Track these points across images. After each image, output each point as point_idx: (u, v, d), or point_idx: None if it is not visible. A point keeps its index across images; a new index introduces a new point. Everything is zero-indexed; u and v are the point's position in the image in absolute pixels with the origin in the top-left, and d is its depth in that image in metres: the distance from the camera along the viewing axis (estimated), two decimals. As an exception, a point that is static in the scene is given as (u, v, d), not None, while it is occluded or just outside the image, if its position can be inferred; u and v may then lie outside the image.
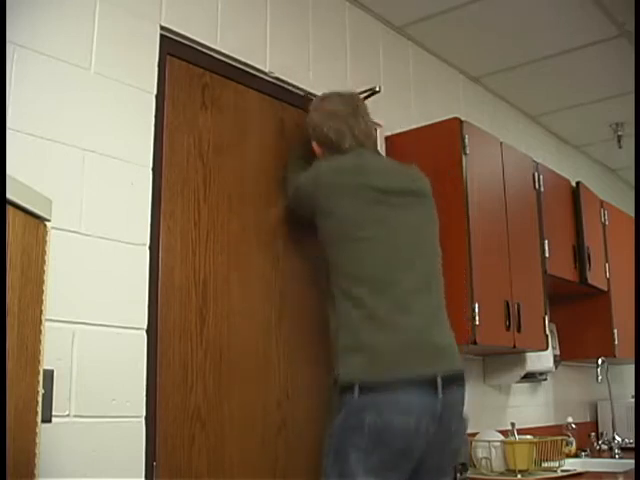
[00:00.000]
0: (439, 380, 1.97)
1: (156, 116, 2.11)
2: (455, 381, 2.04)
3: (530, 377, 3.42)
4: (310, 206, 2.22)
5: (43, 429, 1.32)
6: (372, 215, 2.11)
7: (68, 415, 1.74)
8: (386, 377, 1.95)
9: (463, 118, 2.83)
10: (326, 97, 2.36)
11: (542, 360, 3.33)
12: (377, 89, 2.65)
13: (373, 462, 1.93)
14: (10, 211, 1.18)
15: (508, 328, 2.82)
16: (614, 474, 3.09)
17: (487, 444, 2.82)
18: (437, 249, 2.20)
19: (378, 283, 2.06)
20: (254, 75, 2.48)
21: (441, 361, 2.04)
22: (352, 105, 2.30)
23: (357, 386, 1.96)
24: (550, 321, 3.32)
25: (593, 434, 4.01)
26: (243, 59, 2.42)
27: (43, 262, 1.31)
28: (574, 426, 3.73)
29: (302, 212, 2.31)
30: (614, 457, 3.65)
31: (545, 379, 3.61)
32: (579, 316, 3.83)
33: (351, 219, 2.12)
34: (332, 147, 2.26)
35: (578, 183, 3.72)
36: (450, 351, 2.08)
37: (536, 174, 3.30)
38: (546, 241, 3.23)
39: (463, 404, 2.09)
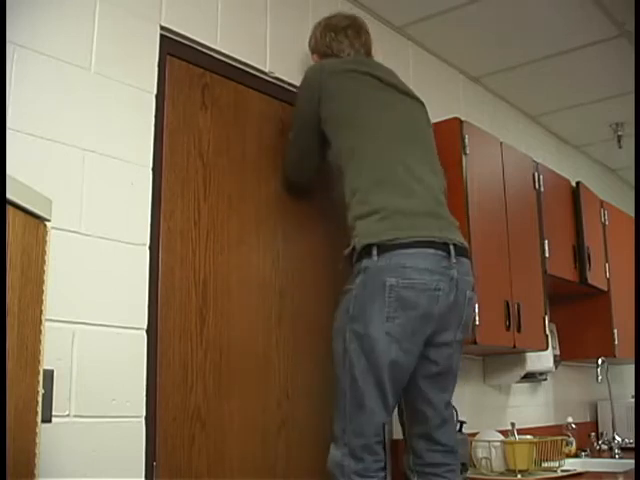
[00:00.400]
0: (452, 247, 2.01)
1: (156, 116, 2.11)
2: (463, 253, 2.08)
3: (530, 377, 3.42)
4: (316, 99, 2.23)
5: (43, 429, 1.31)
6: (373, 96, 2.21)
7: (68, 415, 1.75)
8: (404, 236, 1.97)
9: (463, 118, 2.83)
10: (330, 15, 2.49)
11: (542, 360, 3.33)
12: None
13: (396, 326, 1.92)
14: (10, 211, 1.18)
15: (508, 328, 2.83)
16: (614, 474, 3.09)
17: (487, 444, 2.82)
18: (434, 144, 2.28)
19: (384, 153, 2.12)
20: (254, 75, 2.48)
21: (452, 232, 2.08)
22: (353, 21, 2.43)
23: (376, 247, 1.96)
24: (550, 321, 3.33)
25: (593, 434, 4.01)
26: (243, 59, 2.43)
27: (43, 262, 1.31)
28: (574, 426, 3.73)
29: (307, 129, 2.31)
30: (614, 457, 3.65)
31: (545, 379, 3.61)
32: (579, 316, 3.83)
33: (354, 97, 2.21)
34: (332, 56, 2.38)
35: (578, 183, 3.72)
36: (456, 227, 2.12)
37: (536, 174, 3.30)
38: (546, 241, 3.23)
39: (472, 276, 2.11)
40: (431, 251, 1.98)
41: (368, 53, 2.43)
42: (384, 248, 1.96)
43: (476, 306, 2.19)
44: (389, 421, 2.36)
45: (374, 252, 1.96)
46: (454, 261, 2.01)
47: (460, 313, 2.05)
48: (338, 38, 2.39)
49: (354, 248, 2.02)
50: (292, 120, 2.40)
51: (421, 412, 2.08)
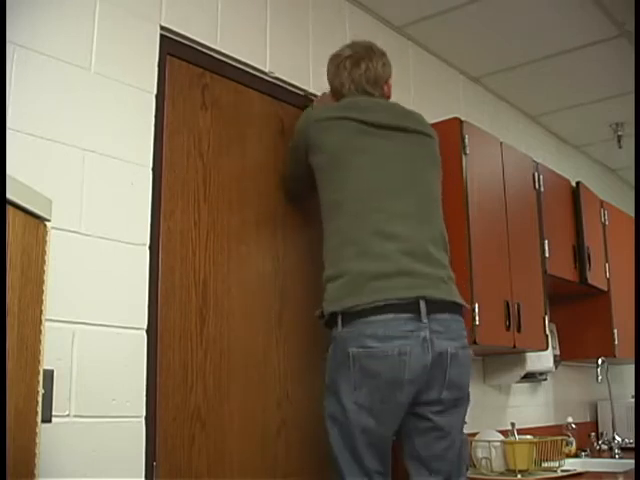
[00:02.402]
0: (422, 304, 1.91)
1: (156, 116, 2.11)
2: (446, 307, 1.98)
3: (530, 377, 3.42)
4: (303, 150, 2.22)
5: (43, 429, 1.31)
6: (357, 144, 2.12)
7: (68, 415, 1.74)
8: (365, 301, 1.91)
9: (463, 118, 2.83)
10: (343, 46, 2.38)
11: (542, 360, 3.33)
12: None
13: (363, 395, 1.91)
14: (10, 211, 1.18)
15: (508, 328, 2.83)
16: (614, 474, 3.09)
17: (487, 444, 2.82)
18: (434, 188, 2.17)
19: (360, 209, 2.04)
20: (254, 75, 2.48)
21: (429, 288, 1.96)
22: (355, 50, 2.30)
23: (340, 316, 1.94)
24: (550, 321, 3.33)
25: (593, 434, 4.01)
26: (243, 59, 2.42)
27: (43, 262, 1.31)
28: (574, 426, 3.73)
29: (298, 168, 2.29)
30: (614, 457, 3.65)
31: (545, 379, 3.61)
32: (579, 316, 3.83)
33: (337, 148, 2.13)
34: (337, 94, 2.32)
35: (578, 183, 3.72)
36: (442, 283, 2.01)
37: (536, 174, 3.30)
38: (546, 241, 3.23)
39: (460, 332, 2.01)
40: (390, 316, 1.90)
41: (371, 82, 2.26)
42: (348, 316, 1.94)
43: (469, 360, 2.05)
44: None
45: (339, 321, 1.95)
46: (424, 321, 1.91)
47: (441, 373, 1.95)
48: (338, 72, 2.29)
49: (323, 314, 2.02)
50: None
51: (410, 465, 2.04)
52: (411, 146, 2.18)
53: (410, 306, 1.92)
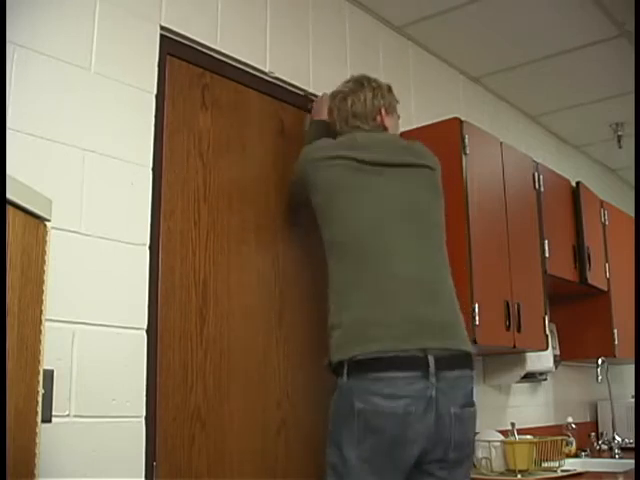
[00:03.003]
0: (431, 360, 1.86)
1: (156, 116, 2.11)
2: (456, 363, 1.93)
3: (530, 377, 3.42)
4: (303, 187, 2.22)
5: (43, 429, 1.31)
6: (354, 182, 2.08)
7: (68, 415, 1.74)
8: (370, 350, 1.87)
9: (463, 118, 2.83)
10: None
11: (542, 360, 3.33)
12: (377, 89, 2.63)
13: (365, 450, 1.87)
14: (10, 211, 1.18)
15: (508, 328, 2.82)
16: (614, 474, 3.08)
17: (487, 444, 2.82)
18: (436, 220, 2.12)
19: (361, 251, 2.01)
20: (254, 75, 2.48)
21: (434, 337, 1.91)
22: (349, 85, 2.30)
23: (346, 365, 1.90)
24: (550, 321, 3.32)
25: (593, 434, 4.01)
26: (243, 59, 2.43)
27: (43, 262, 1.31)
28: (574, 426, 3.73)
29: (300, 198, 2.30)
30: (614, 457, 3.65)
31: (545, 379, 3.61)
32: (579, 316, 3.83)
33: (334, 187, 2.11)
34: (338, 129, 2.30)
35: (578, 183, 3.72)
36: (449, 328, 1.97)
37: (536, 174, 3.30)
38: (546, 241, 3.23)
39: (468, 389, 1.97)
40: (398, 374, 1.85)
41: (359, 116, 2.23)
42: (353, 366, 1.89)
43: (474, 416, 2.00)
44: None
45: (344, 371, 1.90)
46: (432, 381, 1.86)
47: (445, 434, 1.89)
48: (332, 110, 2.31)
49: (330, 363, 1.98)
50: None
51: None
52: (410, 182, 2.13)
53: (419, 362, 1.86)
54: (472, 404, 1.99)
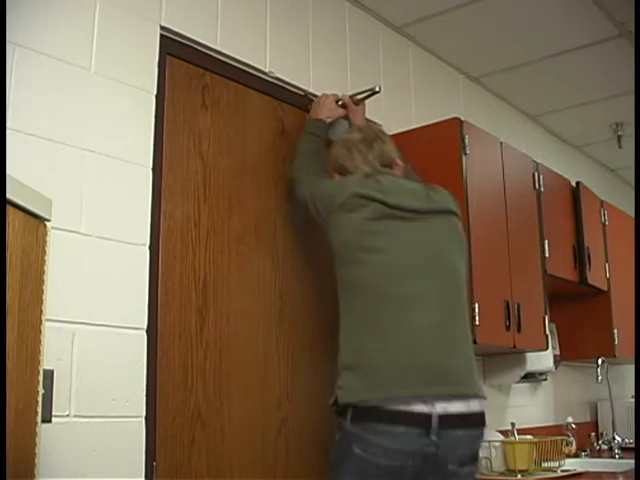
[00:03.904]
0: (434, 418, 1.84)
1: (156, 116, 2.11)
2: (462, 422, 1.89)
3: (530, 377, 3.42)
4: (326, 214, 2.16)
5: (43, 429, 1.32)
6: (380, 227, 2.05)
7: (68, 415, 1.74)
8: (377, 397, 1.86)
9: (463, 118, 2.83)
10: (349, 131, 2.40)
11: (542, 360, 3.33)
12: (377, 89, 2.64)
13: None
14: (10, 211, 1.18)
15: (508, 328, 2.82)
16: (614, 474, 3.08)
17: (487, 444, 2.82)
18: (459, 268, 2.09)
19: (381, 295, 1.98)
20: (254, 75, 2.48)
21: (446, 385, 1.89)
22: (366, 134, 2.29)
23: (350, 410, 1.88)
24: (550, 321, 3.32)
25: (593, 434, 4.02)
26: (243, 59, 2.42)
27: (43, 262, 1.31)
28: (574, 426, 3.73)
29: (314, 214, 2.26)
30: (614, 457, 3.65)
31: (545, 379, 3.61)
32: (579, 316, 3.83)
33: (359, 230, 2.06)
34: (345, 174, 2.23)
35: (578, 183, 3.72)
36: (461, 377, 1.93)
37: (536, 174, 3.30)
38: (546, 241, 3.23)
39: (472, 448, 1.96)
40: (400, 429, 1.83)
41: (386, 164, 2.22)
42: (358, 411, 1.88)
43: (472, 475, 1.99)
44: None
45: (349, 415, 1.89)
46: (434, 438, 1.83)
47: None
48: (351, 154, 2.23)
49: (336, 402, 1.96)
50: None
51: None
52: (436, 230, 2.11)
53: (421, 418, 1.84)
54: (473, 462, 1.99)
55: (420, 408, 1.84)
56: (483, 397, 1.97)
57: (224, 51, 2.36)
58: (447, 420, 1.85)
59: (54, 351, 1.69)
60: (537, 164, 3.36)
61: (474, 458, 2.00)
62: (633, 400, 3.93)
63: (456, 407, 1.88)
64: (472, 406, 1.93)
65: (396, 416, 1.84)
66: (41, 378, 1.29)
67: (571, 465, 3.02)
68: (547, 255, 3.21)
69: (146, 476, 1.91)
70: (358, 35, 2.96)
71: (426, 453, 1.85)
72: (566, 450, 3.29)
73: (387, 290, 1.98)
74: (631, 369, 4.17)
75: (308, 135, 2.49)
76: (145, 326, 1.97)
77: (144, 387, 1.94)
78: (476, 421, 1.95)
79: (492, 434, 2.93)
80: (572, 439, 3.59)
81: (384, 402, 1.85)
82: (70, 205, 1.84)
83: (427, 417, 1.84)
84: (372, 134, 2.29)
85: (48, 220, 1.33)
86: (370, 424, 1.86)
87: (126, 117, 2.02)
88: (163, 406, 2.00)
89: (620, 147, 4.37)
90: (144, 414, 1.93)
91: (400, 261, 2.02)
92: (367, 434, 1.86)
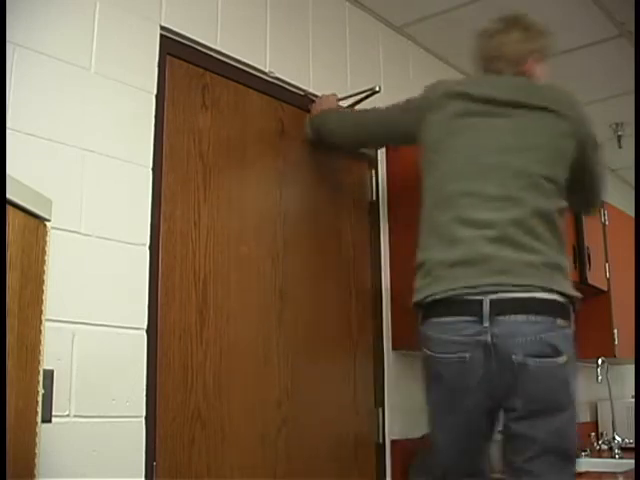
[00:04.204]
0: (485, 305, 1.75)
1: (156, 116, 2.11)
2: (519, 307, 1.77)
3: (530, 377, 3.41)
4: (416, 119, 2.09)
5: (43, 429, 1.32)
6: (459, 124, 1.97)
7: (68, 415, 1.75)
8: (434, 291, 1.84)
9: (463, 118, 2.82)
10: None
11: (542, 360, 3.32)
12: (377, 89, 2.65)
13: (432, 397, 1.91)
14: (10, 211, 1.18)
15: (508, 328, 2.82)
16: (614, 474, 3.09)
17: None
18: (533, 164, 1.90)
19: (444, 195, 1.94)
20: (254, 75, 2.48)
21: (502, 275, 1.78)
22: (504, 23, 2.10)
23: (421, 310, 1.89)
24: (550, 321, 3.32)
25: (593, 434, 4.01)
26: (243, 59, 2.42)
27: (43, 262, 1.31)
28: (574, 426, 3.72)
29: (392, 127, 2.27)
30: (614, 457, 3.65)
31: (545, 379, 3.60)
32: (579, 316, 3.81)
33: (438, 129, 2.01)
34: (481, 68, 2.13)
35: (578, 183, 3.72)
36: (525, 266, 1.80)
37: (536, 174, 3.29)
38: (546, 241, 3.22)
39: (537, 336, 1.75)
40: (450, 319, 1.80)
41: (503, 59, 2.04)
42: (422, 311, 1.90)
43: (552, 371, 1.77)
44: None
45: (420, 315, 1.91)
46: (485, 325, 1.76)
47: (510, 382, 1.76)
48: (476, 48, 2.12)
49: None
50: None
51: (505, 469, 1.90)
52: (519, 124, 1.94)
53: (472, 305, 1.78)
54: (548, 355, 1.76)
55: (471, 297, 1.80)
56: (559, 291, 1.83)
57: (224, 51, 2.36)
58: (500, 304, 1.76)
59: (54, 351, 1.69)
60: (537, 164, 3.35)
61: (546, 349, 1.77)
62: (633, 400, 3.93)
63: (513, 294, 1.78)
64: (536, 294, 1.80)
65: (450, 307, 1.82)
66: (41, 378, 1.29)
67: (571, 465, 3.02)
68: (547, 255, 3.20)
69: (146, 476, 1.91)
70: (358, 35, 2.96)
71: (483, 342, 1.77)
72: (566, 450, 3.27)
73: (449, 191, 1.94)
74: (631, 369, 4.16)
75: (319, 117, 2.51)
76: (145, 326, 1.97)
77: (144, 387, 1.94)
78: (542, 308, 1.79)
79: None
80: (572, 439, 3.58)
81: (437, 296, 1.84)
82: (70, 205, 1.84)
83: (478, 303, 1.78)
84: (501, 24, 2.13)
85: (48, 220, 1.33)
86: (428, 320, 1.88)
87: (126, 117, 2.02)
88: (163, 406, 2.00)
89: (620, 147, 4.37)
90: (144, 414, 1.93)
91: (467, 159, 1.94)
92: (426, 330, 1.88)
